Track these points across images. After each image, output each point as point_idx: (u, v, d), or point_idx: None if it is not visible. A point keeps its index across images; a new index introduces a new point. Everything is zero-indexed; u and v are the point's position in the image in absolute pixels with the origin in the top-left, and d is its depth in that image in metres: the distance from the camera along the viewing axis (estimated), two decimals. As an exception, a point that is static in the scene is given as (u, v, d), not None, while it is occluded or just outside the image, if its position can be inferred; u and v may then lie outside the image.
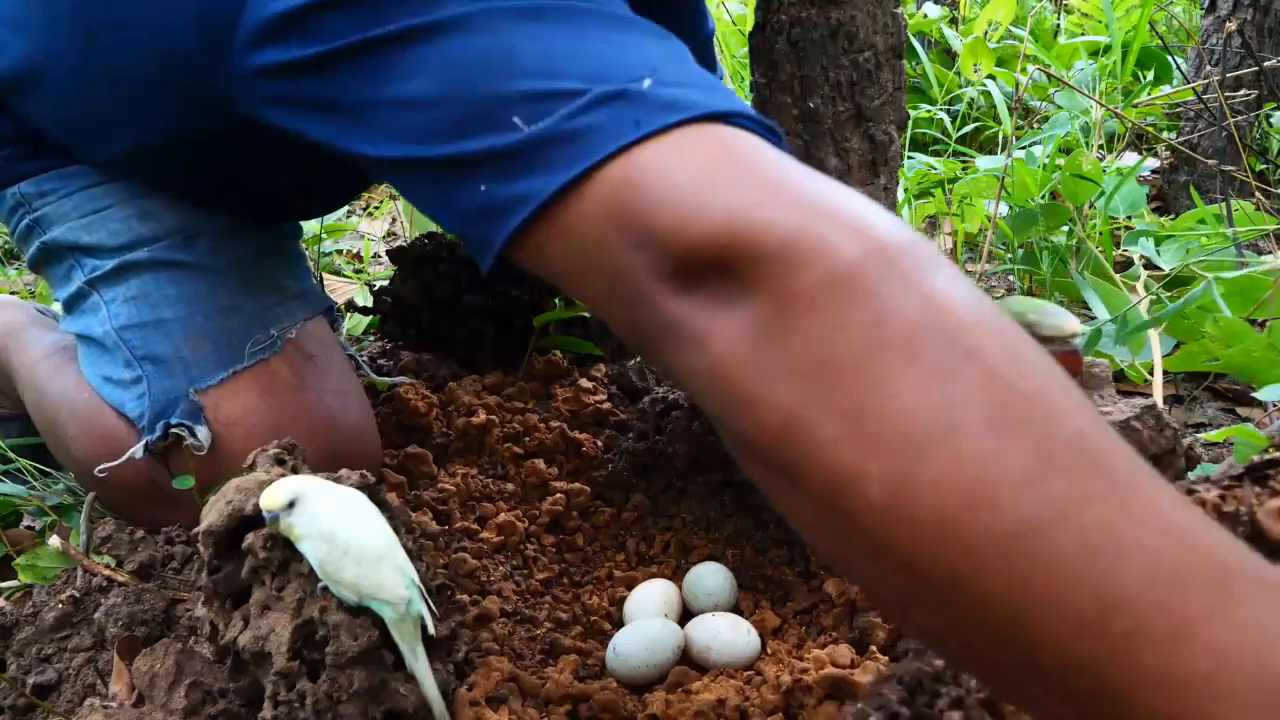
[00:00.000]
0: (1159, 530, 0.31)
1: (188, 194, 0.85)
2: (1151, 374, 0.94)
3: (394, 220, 2.00)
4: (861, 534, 0.36)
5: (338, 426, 0.83)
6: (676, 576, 0.82)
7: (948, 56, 2.15)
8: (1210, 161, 1.54)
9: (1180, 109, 1.78)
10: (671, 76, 0.49)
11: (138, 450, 0.81)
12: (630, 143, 0.45)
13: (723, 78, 1.05)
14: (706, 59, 1.04)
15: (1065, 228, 1.30)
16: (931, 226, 1.61)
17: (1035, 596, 0.32)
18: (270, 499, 0.57)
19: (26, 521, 0.95)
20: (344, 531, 0.58)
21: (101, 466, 0.81)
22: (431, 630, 0.61)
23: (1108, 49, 1.85)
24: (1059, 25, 2.38)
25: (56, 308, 1.15)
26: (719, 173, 0.43)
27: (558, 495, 0.89)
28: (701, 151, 0.45)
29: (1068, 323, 0.49)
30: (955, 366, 0.35)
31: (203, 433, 0.79)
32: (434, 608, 0.63)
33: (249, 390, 0.81)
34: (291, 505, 0.57)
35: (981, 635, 0.34)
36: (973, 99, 1.94)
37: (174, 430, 0.80)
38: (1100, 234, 1.27)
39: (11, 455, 0.97)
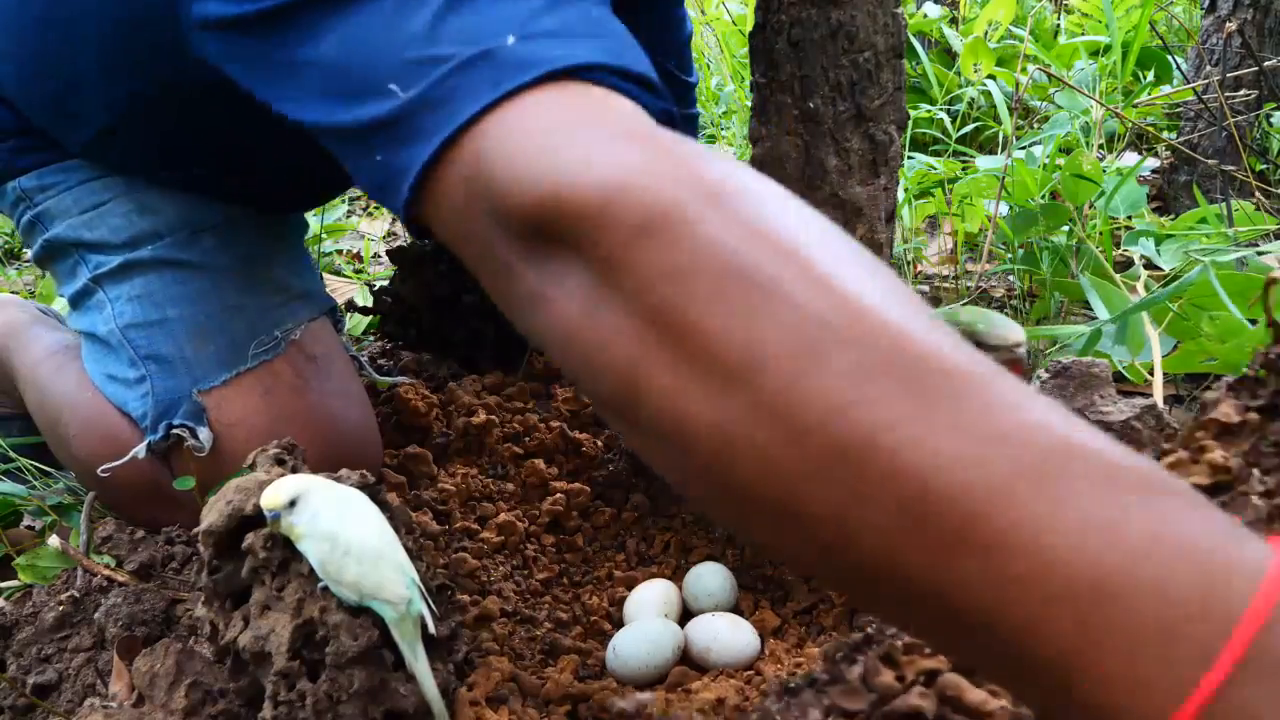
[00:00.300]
0: (978, 437, 0.31)
1: (178, 180, 0.85)
2: (1151, 374, 0.94)
3: (394, 220, 2.00)
4: (703, 478, 0.37)
5: (339, 427, 0.83)
6: (676, 576, 0.82)
7: (948, 56, 2.15)
8: (1210, 161, 1.54)
9: (1180, 109, 1.78)
10: (541, 28, 0.48)
11: (140, 450, 0.81)
12: (486, 106, 0.45)
13: (697, 83, 1.06)
14: (684, 62, 1.04)
15: (1065, 228, 1.29)
16: (931, 226, 1.61)
17: (853, 519, 0.33)
18: (272, 498, 0.57)
19: (26, 521, 0.95)
20: (345, 531, 0.58)
21: (104, 466, 0.81)
22: (431, 630, 0.61)
23: (1108, 49, 1.85)
24: (1059, 25, 2.38)
25: (60, 304, 1.16)
26: (554, 135, 0.43)
27: (558, 495, 0.89)
28: (542, 114, 0.45)
29: (1012, 333, 0.51)
30: (761, 303, 0.35)
31: (204, 434, 0.80)
32: (434, 608, 0.63)
33: (251, 391, 0.81)
34: (293, 504, 0.57)
35: (821, 558, 0.35)
36: (973, 99, 1.94)
37: (175, 431, 0.80)
38: (1100, 234, 1.27)
39: (12, 455, 0.97)
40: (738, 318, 0.35)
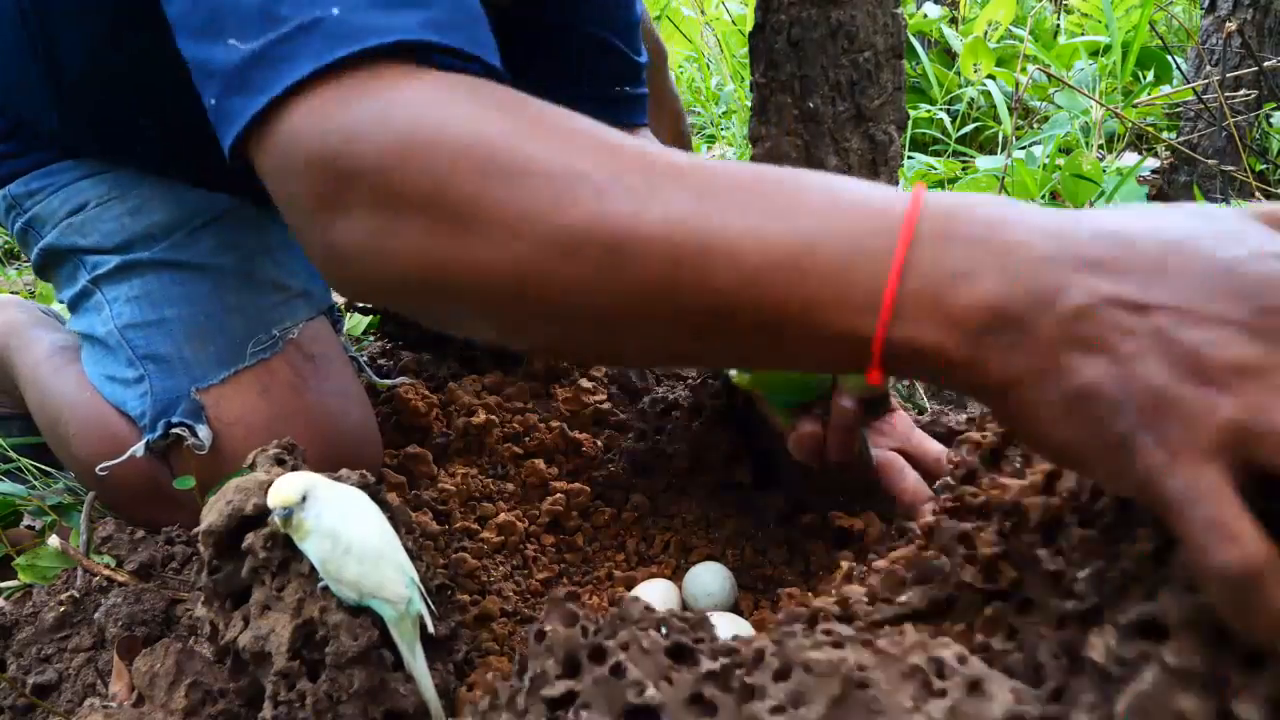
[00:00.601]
0: (693, 196, 0.43)
1: (152, 163, 0.85)
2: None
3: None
4: (514, 315, 0.47)
5: (338, 426, 0.83)
6: (676, 576, 0.82)
7: (948, 56, 2.15)
8: (1210, 161, 1.54)
9: (1180, 109, 1.78)
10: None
11: (138, 449, 0.81)
12: (303, 78, 0.50)
13: (644, 67, 1.07)
14: (633, 42, 1.04)
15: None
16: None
17: (644, 293, 0.43)
18: (284, 495, 0.57)
19: (26, 521, 0.95)
20: (346, 529, 0.58)
21: (102, 465, 0.81)
22: (431, 630, 0.61)
23: (1108, 49, 1.85)
24: (1059, 25, 2.38)
25: (60, 308, 1.16)
26: (342, 111, 0.49)
27: (558, 495, 0.89)
28: (341, 93, 0.50)
29: None
30: (517, 172, 0.45)
31: (203, 432, 0.80)
32: (433, 608, 0.63)
33: (250, 389, 0.81)
34: (303, 500, 0.57)
35: (622, 335, 0.46)
36: (973, 99, 1.94)
37: (174, 431, 0.80)
38: (1100, 234, 1.27)
39: (13, 455, 0.97)
40: (503, 190, 0.45)
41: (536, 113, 0.48)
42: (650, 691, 0.40)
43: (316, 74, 0.50)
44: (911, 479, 0.73)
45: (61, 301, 0.91)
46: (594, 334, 0.47)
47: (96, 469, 0.82)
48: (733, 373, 0.77)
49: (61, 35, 0.81)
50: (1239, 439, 0.32)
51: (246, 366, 0.82)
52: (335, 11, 0.51)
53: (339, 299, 1.39)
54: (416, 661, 0.60)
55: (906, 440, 0.76)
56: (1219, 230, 0.36)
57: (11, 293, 1.46)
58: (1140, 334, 0.34)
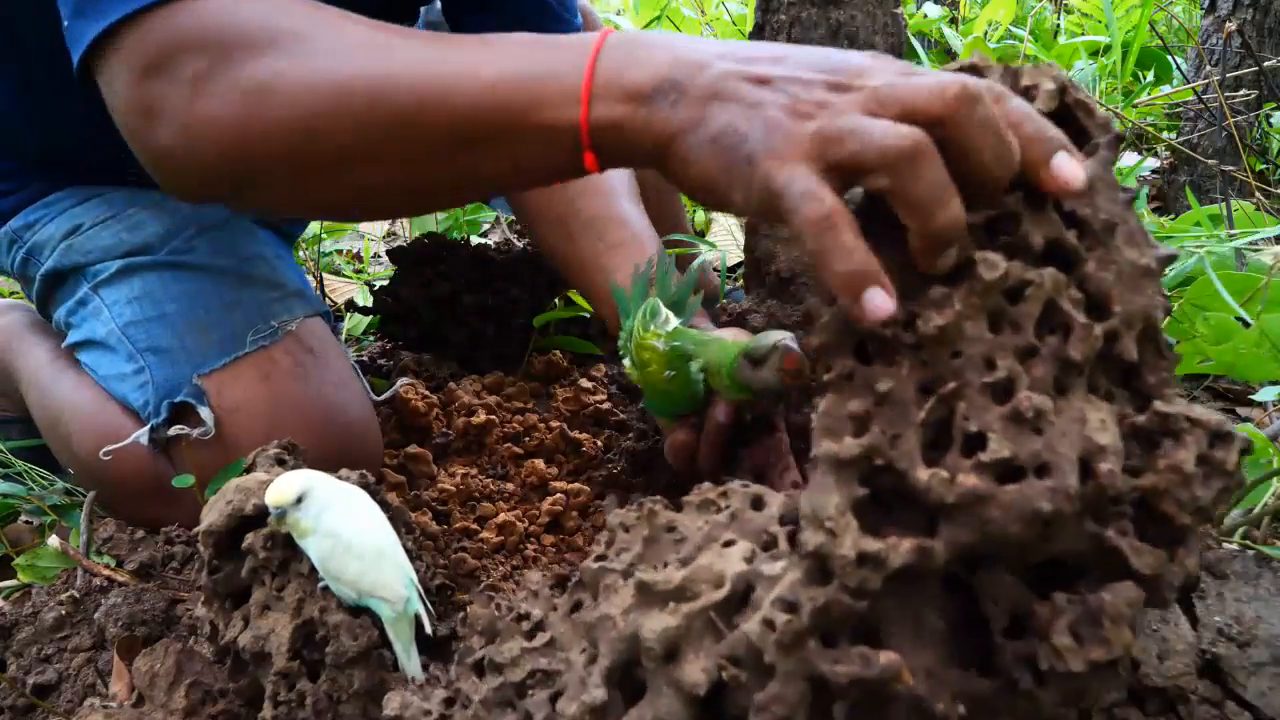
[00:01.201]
0: (443, 48, 0.57)
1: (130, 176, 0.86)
2: (1151, 374, 0.93)
3: (394, 219, 2.00)
4: (300, 159, 0.58)
5: (338, 418, 0.83)
6: (676, 576, 0.82)
7: (948, 56, 2.15)
8: (1210, 161, 1.54)
9: (1180, 109, 1.78)
10: None
11: (142, 435, 0.81)
12: (130, 13, 0.59)
13: (581, 26, 1.06)
14: (569, 6, 1.04)
15: (1065, 228, 1.29)
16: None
17: (406, 126, 0.55)
18: (279, 494, 0.57)
19: (24, 519, 0.95)
20: (347, 528, 0.58)
21: (106, 449, 0.81)
22: (429, 630, 0.61)
23: (1108, 49, 1.85)
24: (1059, 25, 2.38)
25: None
26: (167, 38, 0.60)
27: (558, 495, 0.89)
28: (162, 23, 0.60)
29: (774, 336, 0.67)
30: (307, 52, 0.58)
31: (206, 413, 0.80)
32: (431, 609, 0.63)
33: (250, 375, 0.81)
34: (299, 501, 0.57)
35: (394, 170, 0.58)
36: (973, 99, 1.94)
37: (177, 430, 0.80)
38: (1100, 234, 1.27)
39: (12, 459, 0.97)
40: (288, 64, 0.57)
41: (315, 8, 0.60)
42: (535, 613, 0.51)
43: (137, 11, 0.59)
44: None
45: (58, 320, 0.92)
46: (374, 172, 0.58)
47: (100, 453, 0.82)
48: (626, 363, 0.78)
49: (29, 35, 0.81)
50: (820, 144, 0.45)
51: (247, 353, 0.82)
52: None
53: (337, 300, 1.39)
54: (411, 662, 0.60)
55: (773, 469, 0.74)
56: (816, 48, 0.51)
57: (10, 294, 1.46)
58: (762, 91, 0.48)
